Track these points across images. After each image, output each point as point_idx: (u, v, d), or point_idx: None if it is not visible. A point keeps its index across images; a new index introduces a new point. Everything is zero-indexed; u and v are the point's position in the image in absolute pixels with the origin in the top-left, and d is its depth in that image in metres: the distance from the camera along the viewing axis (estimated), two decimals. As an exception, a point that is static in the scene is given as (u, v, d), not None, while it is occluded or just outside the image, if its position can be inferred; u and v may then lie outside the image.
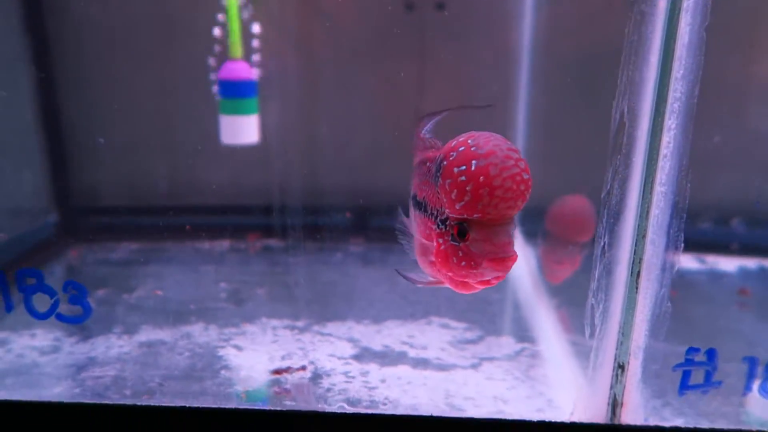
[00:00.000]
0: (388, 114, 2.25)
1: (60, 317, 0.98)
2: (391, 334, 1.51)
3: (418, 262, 1.00)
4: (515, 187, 0.80)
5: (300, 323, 1.56)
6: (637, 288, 0.95)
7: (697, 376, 1.03)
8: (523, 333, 1.53)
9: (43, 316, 0.98)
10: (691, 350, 0.98)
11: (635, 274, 0.94)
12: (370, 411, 1.10)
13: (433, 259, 0.91)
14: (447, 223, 0.86)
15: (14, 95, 2.00)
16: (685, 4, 0.79)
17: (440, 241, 0.87)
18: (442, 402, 1.24)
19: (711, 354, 0.99)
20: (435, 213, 0.90)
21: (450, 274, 0.88)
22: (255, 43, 1.95)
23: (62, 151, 2.15)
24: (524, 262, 1.94)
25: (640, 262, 0.94)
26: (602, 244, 0.95)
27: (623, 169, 0.89)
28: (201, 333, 1.51)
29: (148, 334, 1.50)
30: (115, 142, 2.19)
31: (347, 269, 1.98)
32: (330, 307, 1.67)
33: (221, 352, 1.42)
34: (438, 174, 0.85)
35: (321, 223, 2.19)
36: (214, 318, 1.59)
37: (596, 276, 0.97)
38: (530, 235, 2.12)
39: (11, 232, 1.95)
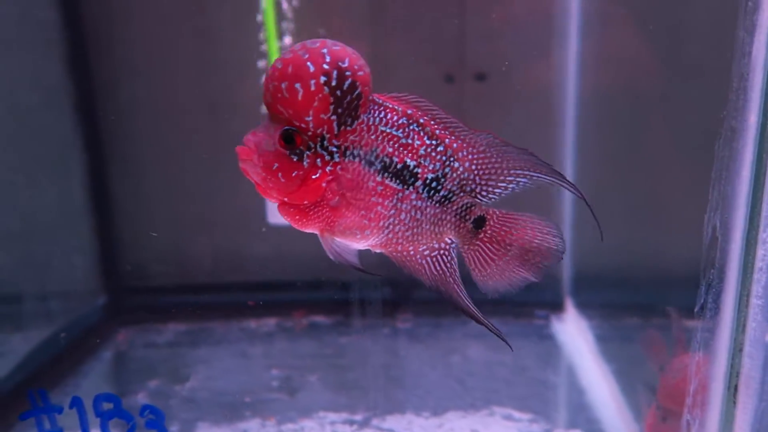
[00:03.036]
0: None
1: (135, 444, 0.96)
2: (453, 429, 1.46)
3: None
4: (275, 66, 0.76)
5: (358, 416, 1.52)
6: (735, 402, 0.90)
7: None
8: (593, 425, 1.46)
9: (118, 443, 0.96)
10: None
11: (732, 389, 0.89)
12: None
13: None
14: None
15: (66, 180, 2.04)
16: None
17: None
18: None
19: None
20: None
21: None
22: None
23: (111, 234, 2.18)
24: (583, 341, 1.88)
25: (737, 376, 0.89)
26: (697, 359, 0.91)
27: (717, 283, 0.86)
28: (259, 430, 1.47)
29: (205, 432, 1.47)
30: (161, 221, 2.21)
31: (397, 349, 1.94)
32: (386, 396, 1.62)
33: (282, 454, 1.38)
34: None
35: (366, 298, 2.16)
36: (270, 411, 1.55)
37: (691, 391, 0.92)
38: (584, 306, 2.06)
39: (63, 318, 1.96)
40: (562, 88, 2.06)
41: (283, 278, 2.27)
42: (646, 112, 1.97)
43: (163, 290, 2.27)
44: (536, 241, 0.86)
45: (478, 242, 0.86)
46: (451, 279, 0.87)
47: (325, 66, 0.75)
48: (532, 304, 2.13)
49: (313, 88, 0.75)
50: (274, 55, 1.91)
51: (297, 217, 0.84)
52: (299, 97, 0.76)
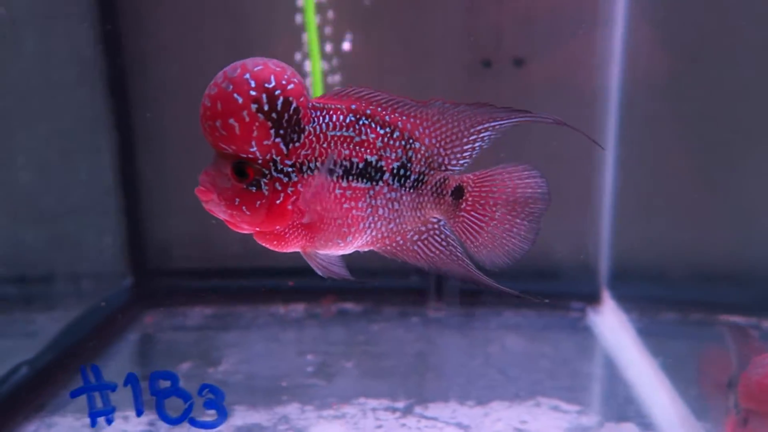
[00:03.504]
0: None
1: (193, 422, 0.92)
2: (500, 419, 1.41)
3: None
4: (204, 104, 0.74)
5: (400, 404, 1.47)
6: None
7: None
8: (644, 419, 1.41)
9: (175, 422, 0.92)
10: None
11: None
12: None
13: None
14: None
15: (97, 158, 2.00)
16: None
17: None
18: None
19: None
20: None
21: None
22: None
23: (138, 215, 2.14)
24: (624, 334, 1.82)
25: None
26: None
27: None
28: (298, 415, 1.43)
29: (243, 416, 1.43)
30: (190, 203, 2.17)
31: (431, 337, 1.89)
32: (426, 384, 1.58)
33: (325, 440, 1.34)
34: None
35: (398, 286, 2.12)
36: (307, 397, 1.51)
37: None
38: (623, 299, 2.01)
39: (93, 299, 1.93)
40: (604, 75, 2.00)
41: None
42: (695, 103, 1.91)
43: (190, 273, 2.23)
44: (519, 190, 0.84)
45: (462, 213, 0.84)
46: (453, 256, 0.84)
47: (252, 92, 0.73)
48: (567, 296, 2.08)
49: (247, 120, 0.73)
50: (313, 35, 1.87)
51: (275, 242, 0.82)
52: (237, 132, 0.73)
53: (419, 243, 0.84)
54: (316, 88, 1.88)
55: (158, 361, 1.81)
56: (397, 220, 0.83)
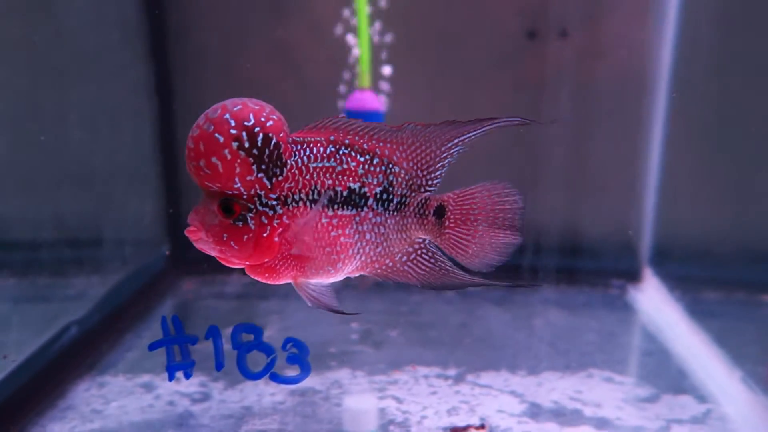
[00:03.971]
0: (503, 145, 2.16)
1: (275, 377, 0.91)
2: (554, 388, 1.40)
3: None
4: (188, 146, 0.78)
5: (451, 372, 1.47)
6: None
7: None
8: (700, 391, 1.39)
9: (255, 376, 0.91)
10: None
11: None
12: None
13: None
14: None
15: (139, 124, 1.98)
16: None
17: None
18: (641, 472, 1.13)
19: None
20: None
21: None
22: (386, 70, 1.91)
23: (176, 182, 2.12)
24: (670, 310, 1.81)
25: None
26: None
27: None
28: (350, 381, 1.43)
29: (296, 380, 1.42)
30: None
31: (473, 310, 1.88)
32: (475, 353, 1.57)
33: (381, 404, 1.33)
34: None
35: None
36: (357, 362, 1.51)
37: None
38: (665, 276, 1.99)
39: (133, 265, 1.92)
40: (655, 49, 1.96)
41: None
42: (747, 80, 1.86)
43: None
44: (498, 204, 0.88)
45: (447, 230, 0.87)
46: (443, 271, 0.88)
47: (233, 131, 0.76)
48: (607, 273, 2.07)
49: (229, 157, 0.76)
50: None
51: (266, 274, 0.86)
52: (220, 170, 0.77)
53: (408, 263, 0.88)
54: (363, 73, 1.84)
55: (201, 326, 1.79)
56: (384, 244, 0.86)
